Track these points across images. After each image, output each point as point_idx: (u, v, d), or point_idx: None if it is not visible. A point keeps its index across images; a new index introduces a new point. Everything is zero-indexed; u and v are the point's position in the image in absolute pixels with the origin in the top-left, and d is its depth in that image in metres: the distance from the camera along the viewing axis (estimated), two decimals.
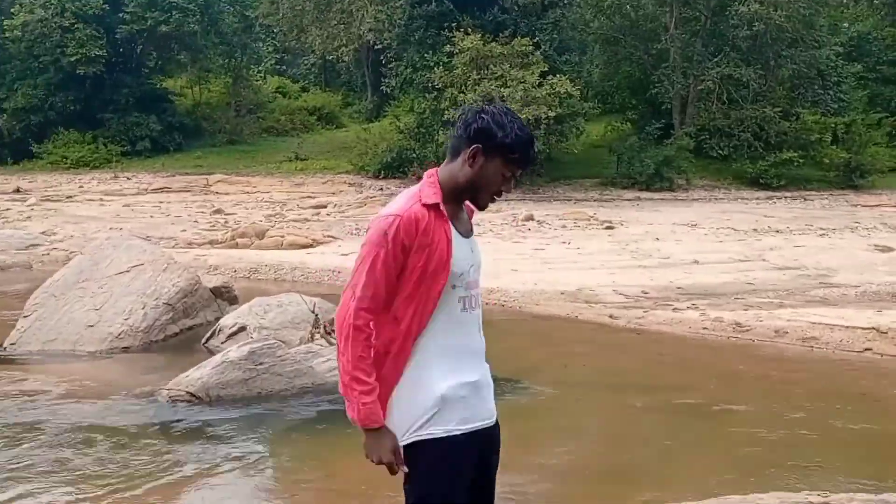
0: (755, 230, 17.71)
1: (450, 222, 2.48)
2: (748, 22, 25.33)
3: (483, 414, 2.54)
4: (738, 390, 7.37)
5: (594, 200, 22.49)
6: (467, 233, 2.55)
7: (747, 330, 9.13)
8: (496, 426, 2.60)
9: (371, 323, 2.44)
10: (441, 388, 2.44)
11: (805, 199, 24.85)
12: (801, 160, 25.92)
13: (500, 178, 2.48)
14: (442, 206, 2.47)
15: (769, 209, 22.25)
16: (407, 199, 2.48)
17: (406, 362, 2.46)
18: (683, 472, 5.42)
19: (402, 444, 2.45)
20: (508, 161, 2.48)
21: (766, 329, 9.09)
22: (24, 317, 8.49)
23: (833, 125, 27.03)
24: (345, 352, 2.42)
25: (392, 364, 2.46)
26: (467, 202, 2.59)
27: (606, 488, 5.23)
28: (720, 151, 26.45)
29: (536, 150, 2.58)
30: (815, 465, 5.54)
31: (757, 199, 24.58)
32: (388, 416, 2.46)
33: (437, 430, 2.44)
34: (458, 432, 2.45)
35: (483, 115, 2.47)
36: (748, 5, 24.96)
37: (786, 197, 25.04)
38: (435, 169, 2.58)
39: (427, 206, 2.44)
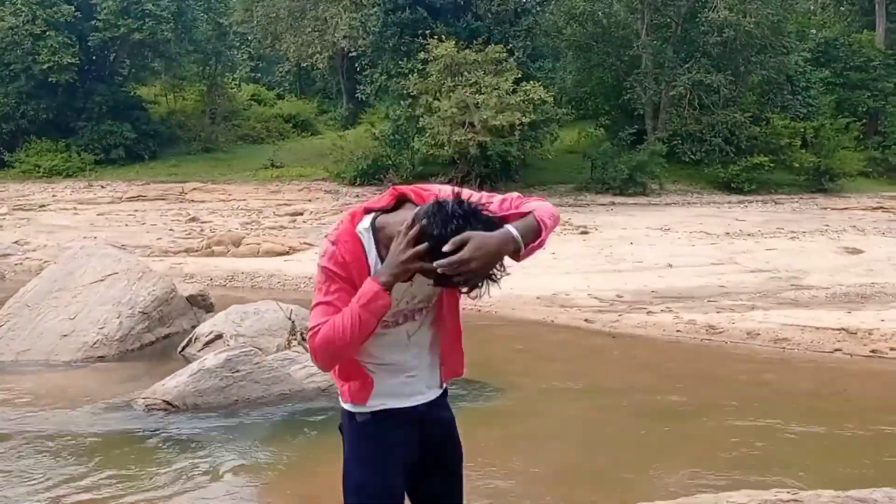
0: (727, 234, 17.93)
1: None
2: (718, 28, 25.69)
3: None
4: (710, 391, 7.48)
5: (569, 206, 22.62)
6: None
7: (720, 332, 9.27)
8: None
9: None
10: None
11: (776, 203, 25.19)
12: (771, 164, 26.33)
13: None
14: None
15: (741, 213, 22.52)
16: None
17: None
18: (656, 473, 5.50)
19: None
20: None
21: (738, 331, 9.24)
22: None
23: (802, 130, 27.45)
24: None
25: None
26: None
27: (580, 490, 5.31)
28: (692, 156, 26.78)
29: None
30: (785, 463, 5.65)
31: (729, 203, 24.88)
32: None
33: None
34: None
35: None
36: (718, 12, 25.31)
37: (757, 201, 25.36)
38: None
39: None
